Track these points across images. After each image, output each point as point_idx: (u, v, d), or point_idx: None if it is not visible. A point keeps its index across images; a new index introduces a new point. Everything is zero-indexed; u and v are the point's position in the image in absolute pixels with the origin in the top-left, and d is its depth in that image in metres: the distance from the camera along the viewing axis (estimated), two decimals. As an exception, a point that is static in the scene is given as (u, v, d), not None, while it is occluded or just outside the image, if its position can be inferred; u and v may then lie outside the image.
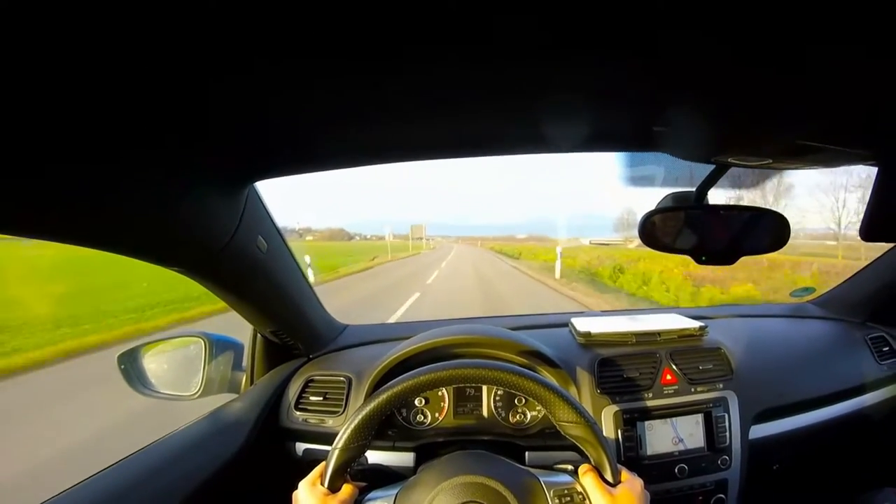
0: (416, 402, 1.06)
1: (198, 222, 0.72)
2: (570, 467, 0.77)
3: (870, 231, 0.65)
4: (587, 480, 0.68)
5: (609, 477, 0.68)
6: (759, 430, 1.12)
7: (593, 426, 0.70)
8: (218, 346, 1.16)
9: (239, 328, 1.21)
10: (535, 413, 1.06)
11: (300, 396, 1.10)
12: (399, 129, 0.68)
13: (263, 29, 0.38)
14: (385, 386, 0.73)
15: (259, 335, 1.16)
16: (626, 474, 0.71)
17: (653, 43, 0.44)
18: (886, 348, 1.37)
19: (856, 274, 1.49)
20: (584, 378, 1.06)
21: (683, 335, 1.16)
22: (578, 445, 0.71)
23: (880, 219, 0.64)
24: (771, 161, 0.78)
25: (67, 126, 0.44)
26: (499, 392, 1.07)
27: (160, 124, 0.53)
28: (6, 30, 0.32)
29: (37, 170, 0.45)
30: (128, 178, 0.55)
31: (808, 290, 1.62)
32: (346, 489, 0.70)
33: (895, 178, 0.62)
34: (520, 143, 0.77)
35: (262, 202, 0.88)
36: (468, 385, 1.05)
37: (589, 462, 0.71)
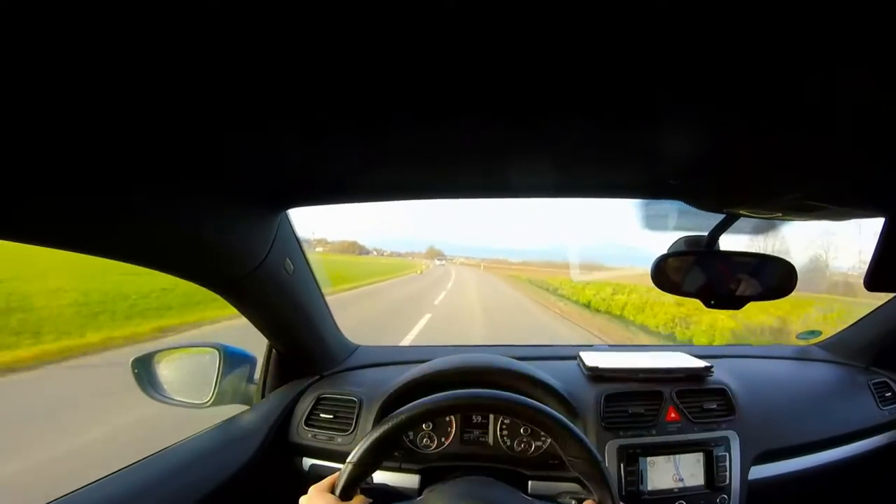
0: (424, 426, 1.09)
1: (234, 245, 0.76)
2: (573, 502, 0.79)
3: (874, 281, 0.66)
4: None
5: None
6: (759, 471, 1.13)
7: (601, 464, 0.72)
8: (232, 358, 1.19)
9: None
10: (539, 443, 1.07)
11: (311, 413, 1.12)
12: (427, 170, 0.72)
13: (300, 90, 0.42)
14: (404, 408, 0.75)
15: (274, 350, 1.18)
16: None
17: (666, 110, 0.48)
18: (889, 393, 1.38)
19: (861, 319, 1.50)
20: (590, 411, 1.08)
21: (689, 375, 1.18)
22: (583, 480, 0.73)
23: (885, 269, 0.66)
24: (780, 214, 0.81)
25: (123, 154, 0.48)
26: (505, 421, 1.09)
27: (206, 159, 0.58)
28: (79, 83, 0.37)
29: (94, 190, 0.49)
30: (174, 206, 0.60)
31: (814, 332, 1.63)
32: (358, 499, 0.72)
33: None
34: (539, 188, 0.81)
35: (292, 228, 0.92)
36: (476, 412, 1.07)
37: (592, 498, 0.73)
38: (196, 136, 0.51)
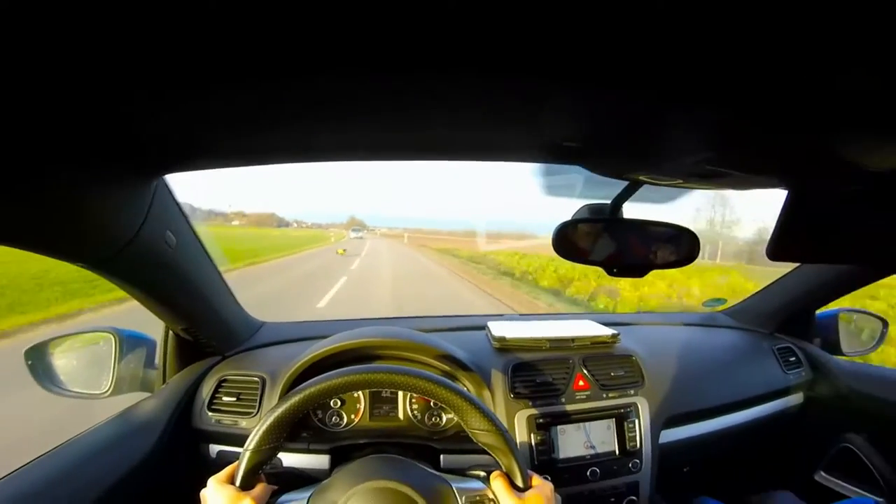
0: (332, 403, 1.05)
1: (101, 217, 0.68)
2: (482, 473, 0.78)
3: (776, 251, 0.68)
4: (497, 486, 0.70)
5: (519, 483, 0.70)
6: (669, 435, 1.18)
7: (504, 434, 0.71)
8: (129, 342, 1.11)
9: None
10: (450, 416, 1.06)
11: (213, 396, 1.06)
12: (313, 131, 0.66)
13: (170, 37, 0.37)
14: (298, 388, 0.72)
15: (171, 332, 1.11)
16: (536, 479, 0.72)
17: (562, 69, 0.46)
18: (793, 358, 1.46)
19: (765, 287, 1.58)
20: (499, 382, 1.08)
21: (596, 342, 1.19)
22: (490, 452, 0.72)
23: (787, 241, 0.67)
24: (682, 181, 0.82)
25: None
26: (414, 395, 1.07)
27: (59, 115, 0.50)
28: None
29: None
30: (26, 169, 0.52)
31: (719, 300, 1.71)
32: (259, 487, 0.69)
33: (802, 204, 0.66)
34: (426, 149, 0.77)
35: (171, 195, 0.85)
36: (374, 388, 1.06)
37: (500, 469, 0.72)
38: (44, 86, 0.44)
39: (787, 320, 1.52)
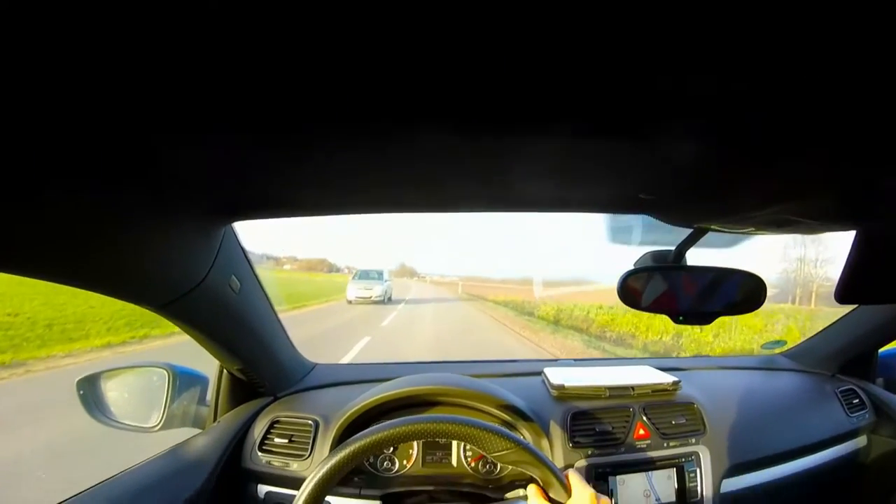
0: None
1: (171, 262, 0.70)
2: (521, 492, 0.76)
3: (844, 294, 0.66)
4: (531, 491, 0.70)
5: (555, 492, 0.69)
6: (731, 484, 1.12)
7: (527, 446, 0.70)
8: (182, 378, 1.12)
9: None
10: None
11: (265, 437, 1.06)
12: (384, 183, 0.67)
13: (249, 95, 0.37)
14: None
15: (225, 370, 1.11)
16: (575, 482, 0.70)
17: (640, 126, 0.45)
18: (856, 400, 1.39)
19: (826, 328, 1.51)
20: (557, 431, 1.05)
21: (657, 390, 1.16)
22: (524, 470, 0.71)
23: (855, 282, 0.65)
24: (752, 229, 0.80)
25: (38, 157, 0.42)
26: None
27: (136, 165, 0.51)
28: None
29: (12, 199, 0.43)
30: (103, 216, 0.53)
31: (778, 342, 1.64)
32: None
33: (871, 246, 0.63)
34: (503, 202, 0.77)
35: (238, 242, 0.86)
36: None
37: (536, 483, 0.71)
38: (126, 138, 0.45)
39: (849, 361, 1.46)
